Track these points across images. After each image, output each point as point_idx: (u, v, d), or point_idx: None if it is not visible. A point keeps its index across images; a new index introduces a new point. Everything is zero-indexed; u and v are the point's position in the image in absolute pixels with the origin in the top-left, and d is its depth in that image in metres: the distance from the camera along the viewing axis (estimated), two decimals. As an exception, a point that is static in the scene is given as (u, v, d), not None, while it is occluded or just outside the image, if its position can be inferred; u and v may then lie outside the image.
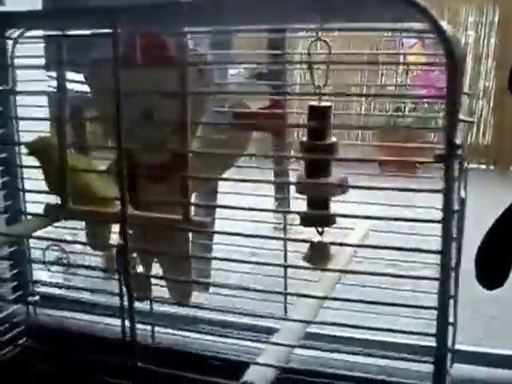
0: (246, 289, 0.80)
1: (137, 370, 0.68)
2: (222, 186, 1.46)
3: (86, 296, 1.35)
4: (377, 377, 1.00)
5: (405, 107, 2.61)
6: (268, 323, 1.16)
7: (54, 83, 1.24)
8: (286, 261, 1.13)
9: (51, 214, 0.94)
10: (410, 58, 3.07)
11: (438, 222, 0.59)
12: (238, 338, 1.14)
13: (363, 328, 0.72)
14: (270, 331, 1.14)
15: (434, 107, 2.83)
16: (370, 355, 0.99)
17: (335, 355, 1.05)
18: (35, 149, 1.02)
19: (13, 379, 1.03)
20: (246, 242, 1.06)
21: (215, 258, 0.80)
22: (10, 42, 1.17)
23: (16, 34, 1.08)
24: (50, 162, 0.99)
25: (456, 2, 5.47)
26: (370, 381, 0.99)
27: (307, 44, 0.90)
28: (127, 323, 1.17)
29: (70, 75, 1.27)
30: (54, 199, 1.01)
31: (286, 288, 1.13)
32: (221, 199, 1.44)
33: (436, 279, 0.61)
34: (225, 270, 1.18)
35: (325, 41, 0.90)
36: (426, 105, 2.67)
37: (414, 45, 3.29)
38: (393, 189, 0.67)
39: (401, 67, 3.28)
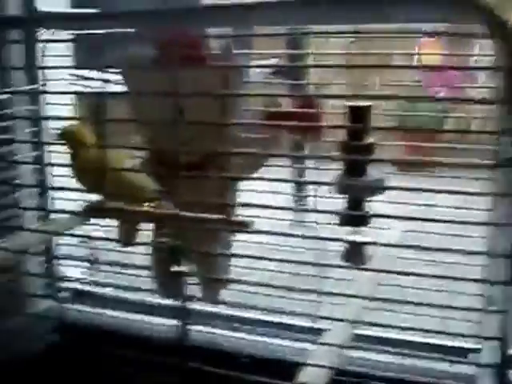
0: (290, 289, 0.79)
1: (188, 370, 0.68)
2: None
3: (117, 293, 1.35)
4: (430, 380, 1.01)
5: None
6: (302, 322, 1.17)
7: (81, 82, 1.25)
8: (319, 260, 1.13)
9: (92, 213, 0.94)
10: (425, 56, 3.07)
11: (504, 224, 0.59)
12: (286, 339, 1.14)
13: (420, 330, 0.71)
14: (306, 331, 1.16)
15: (437, 107, 2.83)
16: (425, 358, 0.99)
17: (380, 357, 1.06)
18: (69, 136, 1.02)
19: (45, 374, 1.03)
20: (271, 239, 1.06)
21: (250, 257, 0.80)
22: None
23: (46, 34, 1.07)
24: (81, 150, 0.99)
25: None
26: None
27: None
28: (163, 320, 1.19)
29: (93, 74, 1.28)
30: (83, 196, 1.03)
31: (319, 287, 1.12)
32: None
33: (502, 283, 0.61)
34: (255, 269, 1.18)
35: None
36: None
37: (429, 43, 3.28)
38: (447, 191, 0.66)
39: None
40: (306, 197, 1.50)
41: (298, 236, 0.94)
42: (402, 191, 0.75)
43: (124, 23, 0.88)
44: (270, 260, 0.80)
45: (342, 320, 0.72)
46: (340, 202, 0.98)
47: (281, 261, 0.81)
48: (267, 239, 1.06)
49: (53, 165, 1.27)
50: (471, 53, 1.66)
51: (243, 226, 0.81)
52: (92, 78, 1.16)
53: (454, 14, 0.66)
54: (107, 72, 1.19)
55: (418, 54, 2.64)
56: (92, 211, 0.95)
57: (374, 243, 0.97)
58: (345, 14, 0.74)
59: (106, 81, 1.18)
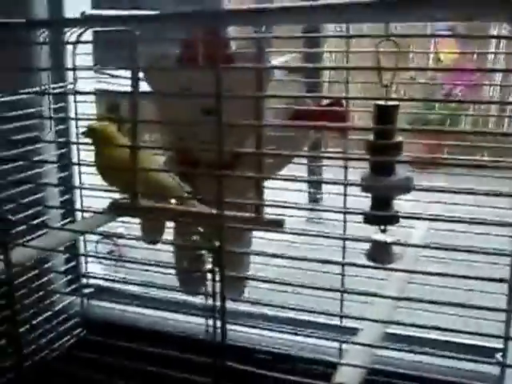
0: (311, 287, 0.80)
1: (225, 370, 0.69)
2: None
3: (141, 290, 1.36)
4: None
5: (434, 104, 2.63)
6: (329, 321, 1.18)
7: (103, 81, 1.26)
8: (343, 258, 1.13)
9: (118, 211, 0.95)
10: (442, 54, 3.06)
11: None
12: (320, 338, 1.15)
13: (450, 331, 0.71)
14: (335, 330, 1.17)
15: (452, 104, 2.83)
16: (452, 357, 0.99)
17: (408, 356, 1.07)
18: (92, 133, 1.02)
19: (69, 370, 1.03)
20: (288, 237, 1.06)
21: (274, 256, 0.80)
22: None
23: (76, 34, 1.08)
24: (105, 147, 1.00)
25: None
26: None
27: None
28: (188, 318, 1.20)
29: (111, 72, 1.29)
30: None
31: (343, 285, 1.13)
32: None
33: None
34: (272, 266, 1.19)
35: (393, 40, 0.90)
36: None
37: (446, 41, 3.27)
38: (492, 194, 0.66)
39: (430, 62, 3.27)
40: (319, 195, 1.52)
41: (327, 236, 0.95)
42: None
43: (150, 25, 0.88)
44: (294, 259, 0.80)
45: (374, 320, 0.73)
46: (360, 201, 0.99)
47: (309, 260, 0.81)
48: (285, 237, 1.08)
49: (79, 164, 1.27)
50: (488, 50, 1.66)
51: (276, 225, 0.81)
52: (117, 77, 1.17)
53: (480, 13, 0.66)
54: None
55: (436, 52, 2.63)
56: (118, 209, 0.95)
57: (400, 243, 0.98)
58: (381, 12, 0.74)
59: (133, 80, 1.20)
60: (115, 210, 0.96)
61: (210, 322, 0.73)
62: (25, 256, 0.89)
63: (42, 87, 1.20)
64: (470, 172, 1.04)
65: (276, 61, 1.12)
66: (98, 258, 1.40)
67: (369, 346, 0.66)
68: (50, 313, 1.21)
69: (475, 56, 2.36)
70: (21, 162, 1.04)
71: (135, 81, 0.88)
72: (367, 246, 1.01)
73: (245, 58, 1.03)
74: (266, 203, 0.78)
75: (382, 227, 0.98)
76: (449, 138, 1.24)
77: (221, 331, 0.70)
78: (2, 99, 1.07)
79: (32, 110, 1.17)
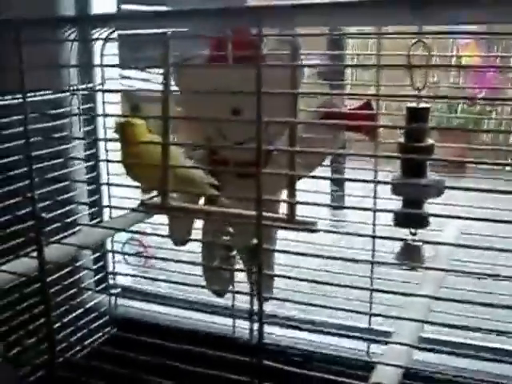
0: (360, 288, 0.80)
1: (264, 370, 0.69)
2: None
3: (168, 289, 1.37)
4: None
5: (456, 108, 2.62)
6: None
7: (128, 81, 1.27)
8: (373, 257, 1.13)
9: (149, 210, 0.95)
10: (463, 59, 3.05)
11: None
12: (356, 338, 1.15)
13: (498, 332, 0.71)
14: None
15: (486, 108, 2.81)
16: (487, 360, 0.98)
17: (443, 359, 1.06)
18: (119, 129, 1.03)
19: (100, 367, 1.04)
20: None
21: (305, 254, 0.80)
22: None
23: (105, 33, 1.08)
24: (131, 144, 1.00)
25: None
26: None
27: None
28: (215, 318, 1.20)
29: (129, 73, 1.30)
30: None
31: (372, 284, 1.13)
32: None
33: None
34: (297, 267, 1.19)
35: (425, 43, 0.90)
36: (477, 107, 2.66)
37: (467, 45, 3.25)
38: None
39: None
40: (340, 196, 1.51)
41: (357, 234, 0.94)
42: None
43: (178, 22, 0.88)
44: (326, 258, 0.80)
45: (411, 320, 0.72)
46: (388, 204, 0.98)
47: (339, 259, 0.81)
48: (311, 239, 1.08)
49: (108, 161, 1.28)
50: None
51: (309, 226, 0.81)
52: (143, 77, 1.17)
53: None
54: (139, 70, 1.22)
55: (457, 55, 2.62)
56: (148, 208, 0.95)
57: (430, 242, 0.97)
58: (411, 15, 0.74)
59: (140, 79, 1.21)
60: (146, 209, 0.97)
61: (241, 322, 0.73)
62: (58, 254, 0.90)
63: (71, 87, 1.21)
64: (496, 176, 1.03)
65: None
66: (127, 255, 1.40)
67: (405, 345, 0.66)
68: (80, 311, 1.21)
69: (498, 60, 2.35)
70: (52, 162, 1.04)
71: (166, 79, 0.89)
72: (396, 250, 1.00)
73: (277, 58, 1.03)
74: (301, 202, 0.77)
75: (413, 230, 0.98)
76: (474, 143, 1.24)
77: (258, 332, 0.70)
78: (33, 99, 1.08)
79: (61, 110, 1.19)
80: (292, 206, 0.83)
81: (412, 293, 0.77)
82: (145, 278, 1.42)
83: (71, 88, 1.21)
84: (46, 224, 0.86)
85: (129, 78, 1.27)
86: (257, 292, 0.70)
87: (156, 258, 1.42)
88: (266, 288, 1.16)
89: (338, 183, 1.79)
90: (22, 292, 1.00)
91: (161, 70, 1.02)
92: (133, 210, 0.98)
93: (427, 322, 0.71)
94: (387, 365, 0.64)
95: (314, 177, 0.95)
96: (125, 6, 1.39)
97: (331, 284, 0.78)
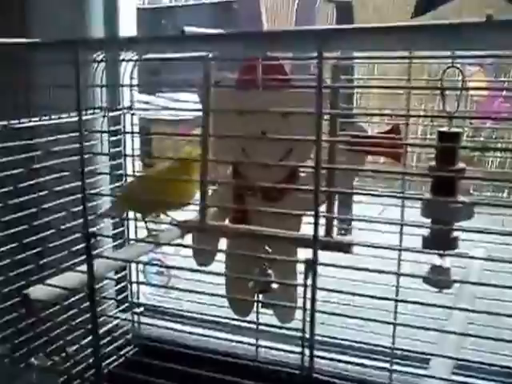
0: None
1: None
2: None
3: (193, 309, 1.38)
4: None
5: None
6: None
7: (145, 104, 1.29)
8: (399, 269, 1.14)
9: (187, 230, 0.97)
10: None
11: None
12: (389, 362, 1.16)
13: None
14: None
15: (492, 135, 2.83)
16: None
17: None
18: None
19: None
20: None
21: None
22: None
23: (135, 56, 1.10)
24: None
25: None
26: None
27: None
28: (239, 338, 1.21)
29: (141, 97, 1.33)
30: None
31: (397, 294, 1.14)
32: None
33: None
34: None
35: (458, 68, 0.93)
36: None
37: (475, 72, 3.29)
38: None
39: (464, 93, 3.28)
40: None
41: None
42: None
43: (206, 47, 0.91)
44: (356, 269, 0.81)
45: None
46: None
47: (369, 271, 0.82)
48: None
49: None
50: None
51: (346, 247, 0.83)
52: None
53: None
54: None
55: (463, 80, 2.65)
56: (187, 228, 0.97)
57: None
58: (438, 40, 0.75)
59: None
60: (182, 229, 0.98)
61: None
62: (104, 268, 0.91)
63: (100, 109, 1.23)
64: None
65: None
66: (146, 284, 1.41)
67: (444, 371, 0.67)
68: (103, 330, 1.22)
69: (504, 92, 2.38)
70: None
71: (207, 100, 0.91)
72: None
73: (302, 81, 1.06)
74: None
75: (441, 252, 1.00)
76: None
77: (309, 360, 0.71)
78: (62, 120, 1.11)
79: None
80: (330, 227, 0.85)
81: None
82: (165, 296, 1.43)
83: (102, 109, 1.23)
84: (96, 239, 0.87)
85: (146, 102, 1.30)
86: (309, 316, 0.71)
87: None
88: (285, 312, 1.18)
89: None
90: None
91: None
92: (172, 224, 1.00)
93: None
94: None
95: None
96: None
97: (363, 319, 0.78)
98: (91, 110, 1.21)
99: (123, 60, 1.19)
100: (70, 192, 0.96)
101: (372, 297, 0.76)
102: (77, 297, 1.07)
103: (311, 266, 0.68)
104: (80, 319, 1.03)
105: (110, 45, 0.91)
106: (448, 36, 0.65)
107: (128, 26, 1.47)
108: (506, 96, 1.63)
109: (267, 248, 1.01)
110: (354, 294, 0.77)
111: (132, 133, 1.29)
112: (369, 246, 0.84)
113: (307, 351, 0.71)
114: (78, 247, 0.93)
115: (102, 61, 1.05)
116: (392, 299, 1.09)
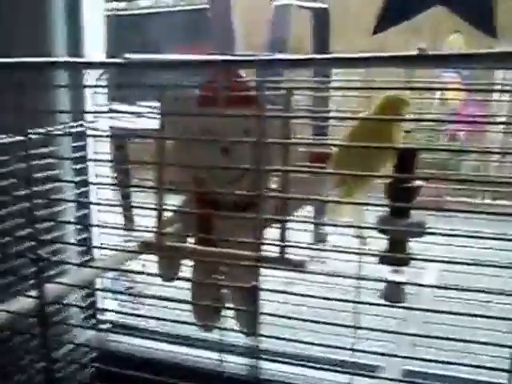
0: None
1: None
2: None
3: (157, 325, 1.39)
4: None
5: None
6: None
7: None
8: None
9: (147, 250, 0.98)
10: (449, 94, 3.10)
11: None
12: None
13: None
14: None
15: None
16: None
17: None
18: None
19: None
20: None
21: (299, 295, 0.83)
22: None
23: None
24: None
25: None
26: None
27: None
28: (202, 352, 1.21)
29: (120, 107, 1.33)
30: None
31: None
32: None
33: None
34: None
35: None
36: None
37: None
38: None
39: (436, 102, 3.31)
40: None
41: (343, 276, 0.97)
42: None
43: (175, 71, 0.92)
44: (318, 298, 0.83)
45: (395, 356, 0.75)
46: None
47: (326, 299, 0.83)
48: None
49: (98, 204, 1.30)
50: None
51: (300, 266, 0.84)
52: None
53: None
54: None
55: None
56: (147, 248, 0.98)
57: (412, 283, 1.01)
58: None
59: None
60: (144, 249, 0.99)
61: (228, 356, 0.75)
62: (53, 293, 0.91)
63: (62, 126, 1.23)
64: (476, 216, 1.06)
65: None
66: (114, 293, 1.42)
67: (392, 380, 0.69)
68: (69, 347, 1.22)
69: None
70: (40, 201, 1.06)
71: (162, 122, 0.92)
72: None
73: (269, 100, 1.06)
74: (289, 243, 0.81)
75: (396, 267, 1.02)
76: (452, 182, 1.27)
77: (255, 368, 0.72)
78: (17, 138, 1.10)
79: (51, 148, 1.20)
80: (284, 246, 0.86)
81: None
82: (131, 314, 1.43)
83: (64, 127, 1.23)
84: (47, 264, 0.87)
85: (117, 111, 1.31)
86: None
87: (142, 296, 1.43)
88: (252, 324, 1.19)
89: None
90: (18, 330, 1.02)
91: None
92: (125, 251, 1.01)
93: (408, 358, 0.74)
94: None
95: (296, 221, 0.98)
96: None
97: (313, 321, 0.80)
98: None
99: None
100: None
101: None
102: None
103: (253, 291, 0.69)
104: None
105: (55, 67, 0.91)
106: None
107: (94, 36, 1.46)
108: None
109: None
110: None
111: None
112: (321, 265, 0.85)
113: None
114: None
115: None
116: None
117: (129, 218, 1.56)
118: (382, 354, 0.75)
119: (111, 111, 1.34)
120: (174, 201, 1.13)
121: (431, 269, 1.07)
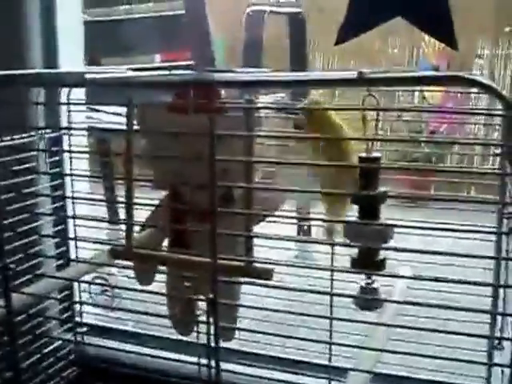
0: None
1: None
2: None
3: (136, 328, 1.39)
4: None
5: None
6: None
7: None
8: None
9: (116, 257, 0.98)
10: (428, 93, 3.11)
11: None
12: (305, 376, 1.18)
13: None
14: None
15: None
16: None
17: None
18: None
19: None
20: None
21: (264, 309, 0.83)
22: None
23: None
24: None
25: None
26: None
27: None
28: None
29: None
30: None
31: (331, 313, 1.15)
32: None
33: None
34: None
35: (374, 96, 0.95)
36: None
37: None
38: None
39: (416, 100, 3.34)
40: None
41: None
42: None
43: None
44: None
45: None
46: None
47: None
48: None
49: (74, 217, 1.30)
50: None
51: (266, 275, 0.84)
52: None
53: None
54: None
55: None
56: (116, 255, 0.98)
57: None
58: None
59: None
60: (113, 256, 0.99)
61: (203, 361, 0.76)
62: (24, 301, 0.92)
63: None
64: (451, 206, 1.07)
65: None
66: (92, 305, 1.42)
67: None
68: (45, 351, 1.23)
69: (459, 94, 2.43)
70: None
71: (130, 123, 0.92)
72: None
73: (236, 110, 1.06)
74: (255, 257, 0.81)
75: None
76: (436, 175, 1.27)
77: (215, 370, 0.73)
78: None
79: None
80: (249, 254, 0.87)
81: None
82: (109, 317, 1.43)
83: (39, 132, 1.23)
84: (15, 275, 0.88)
85: (97, 111, 1.31)
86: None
87: (119, 309, 1.43)
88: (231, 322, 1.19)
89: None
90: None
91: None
92: (96, 264, 1.01)
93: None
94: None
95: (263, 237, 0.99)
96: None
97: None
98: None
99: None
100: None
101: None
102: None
103: (211, 303, 0.70)
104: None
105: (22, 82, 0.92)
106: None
107: (70, 42, 1.46)
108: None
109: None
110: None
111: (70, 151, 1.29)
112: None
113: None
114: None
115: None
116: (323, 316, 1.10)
117: (113, 211, 1.56)
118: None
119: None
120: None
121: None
